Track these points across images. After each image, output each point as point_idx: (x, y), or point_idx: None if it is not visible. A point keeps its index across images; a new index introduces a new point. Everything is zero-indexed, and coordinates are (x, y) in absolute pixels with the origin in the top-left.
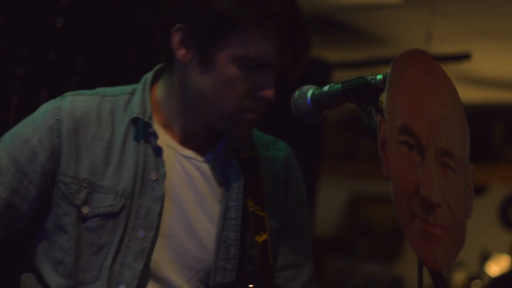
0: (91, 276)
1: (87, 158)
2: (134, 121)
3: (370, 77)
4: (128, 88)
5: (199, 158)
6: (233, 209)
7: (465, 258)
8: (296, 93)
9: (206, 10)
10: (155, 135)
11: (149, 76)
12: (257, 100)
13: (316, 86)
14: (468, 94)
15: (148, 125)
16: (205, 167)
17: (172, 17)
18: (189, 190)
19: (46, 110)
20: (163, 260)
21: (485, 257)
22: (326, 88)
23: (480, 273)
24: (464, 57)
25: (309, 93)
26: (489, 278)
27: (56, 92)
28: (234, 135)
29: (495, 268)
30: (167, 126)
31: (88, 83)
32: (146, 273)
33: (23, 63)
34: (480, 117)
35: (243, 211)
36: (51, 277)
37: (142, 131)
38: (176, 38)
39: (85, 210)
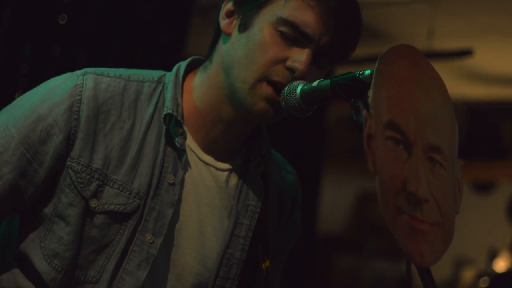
0: (89, 276)
1: (103, 147)
2: (167, 117)
3: (358, 72)
4: (154, 75)
5: (218, 165)
6: (244, 227)
7: (473, 256)
8: (286, 88)
9: None
10: (183, 136)
11: (182, 67)
12: (286, 70)
13: (305, 82)
14: (473, 90)
15: (180, 124)
16: (222, 176)
17: None
18: (202, 199)
19: (66, 87)
20: (161, 271)
21: (493, 254)
22: (315, 83)
23: (488, 270)
24: (466, 53)
25: (299, 89)
26: (494, 274)
27: None
28: (256, 113)
29: (503, 265)
30: (193, 121)
31: None
32: (147, 283)
33: (27, 60)
34: (489, 114)
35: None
36: (43, 268)
37: (170, 128)
38: (223, 10)
39: (94, 203)
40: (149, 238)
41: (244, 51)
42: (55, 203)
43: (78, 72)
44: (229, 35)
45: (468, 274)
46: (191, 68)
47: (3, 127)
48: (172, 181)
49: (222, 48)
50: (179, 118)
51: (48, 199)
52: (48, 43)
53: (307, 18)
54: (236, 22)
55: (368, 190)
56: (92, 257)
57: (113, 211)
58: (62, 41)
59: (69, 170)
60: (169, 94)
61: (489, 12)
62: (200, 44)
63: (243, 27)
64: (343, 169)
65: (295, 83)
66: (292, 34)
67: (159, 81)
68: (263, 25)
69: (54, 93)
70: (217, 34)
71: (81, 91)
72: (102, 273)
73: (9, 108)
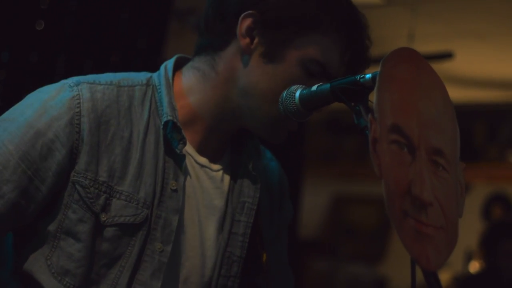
0: None
1: (107, 159)
2: (166, 124)
3: (359, 76)
4: (142, 78)
5: (212, 166)
6: (241, 224)
7: (449, 258)
8: (284, 93)
9: (288, 4)
10: (183, 142)
11: (169, 68)
12: None
13: (304, 86)
14: (450, 93)
15: (179, 130)
16: (217, 176)
17: (244, 1)
18: (201, 202)
19: (61, 99)
20: (170, 277)
21: (469, 257)
22: (314, 87)
23: (464, 273)
24: (446, 56)
25: (297, 93)
26: (464, 277)
27: None
28: (273, 139)
29: (478, 266)
30: (191, 125)
31: None
32: None
33: (4, 67)
34: (462, 117)
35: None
36: (53, 287)
37: (168, 134)
38: (244, 25)
39: (103, 217)
40: (159, 247)
41: (270, 85)
42: (60, 220)
43: (70, 83)
44: (248, 54)
45: (444, 276)
46: (176, 68)
47: None
48: (174, 187)
49: (236, 64)
50: (178, 124)
51: (50, 216)
52: (25, 49)
53: (334, 58)
54: (259, 48)
55: (343, 194)
56: (103, 271)
57: (123, 223)
58: (40, 47)
59: (77, 186)
60: (164, 98)
61: (467, 16)
62: (178, 48)
63: (269, 58)
64: (318, 173)
65: (294, 87)
66: (316, 72)
67: (148, 83)
68: (293, 62)
69: (49, 106)
70: (223, 41)
71: (79, 103)
72: (115, 286)
73: (0, 123)
